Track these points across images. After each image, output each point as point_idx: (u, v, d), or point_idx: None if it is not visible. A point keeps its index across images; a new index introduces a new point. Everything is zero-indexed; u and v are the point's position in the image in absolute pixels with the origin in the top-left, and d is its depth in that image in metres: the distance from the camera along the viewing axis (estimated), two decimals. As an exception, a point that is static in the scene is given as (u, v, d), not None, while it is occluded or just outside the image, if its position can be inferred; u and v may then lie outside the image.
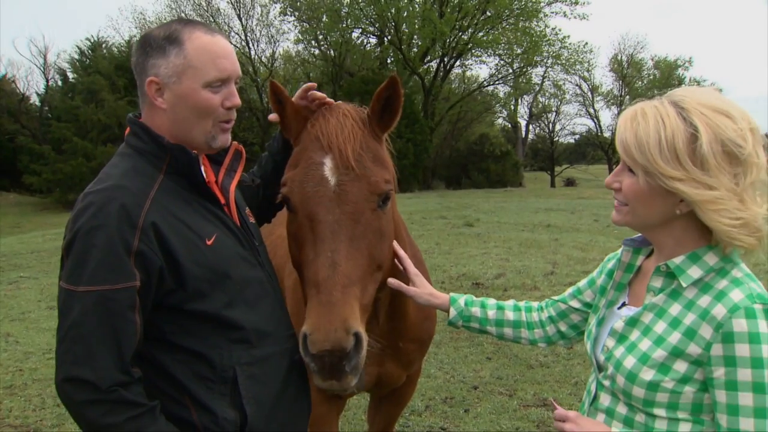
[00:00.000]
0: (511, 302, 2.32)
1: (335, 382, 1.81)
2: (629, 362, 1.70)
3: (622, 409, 1.76)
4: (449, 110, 42.71)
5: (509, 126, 58.76)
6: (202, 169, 1.93)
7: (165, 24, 1.88)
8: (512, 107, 53.94)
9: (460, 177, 43.90)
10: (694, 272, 1.64)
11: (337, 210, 1.94)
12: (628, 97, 54.65)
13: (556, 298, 2.28)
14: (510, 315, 2.24)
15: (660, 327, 1.68)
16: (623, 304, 1.89)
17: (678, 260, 1.67)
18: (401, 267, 2.32)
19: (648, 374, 1.65)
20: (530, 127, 60.45)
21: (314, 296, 1.83)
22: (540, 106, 57.17)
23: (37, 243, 16.22)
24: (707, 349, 1.56)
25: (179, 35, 1.81)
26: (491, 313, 2.25)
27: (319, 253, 1.87)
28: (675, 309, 1.66)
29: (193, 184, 1.88)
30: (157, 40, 1.81)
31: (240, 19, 41.95)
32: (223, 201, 1.98)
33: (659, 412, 1.66)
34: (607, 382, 1.80)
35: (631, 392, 1.69)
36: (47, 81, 43.99)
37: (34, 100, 45.08)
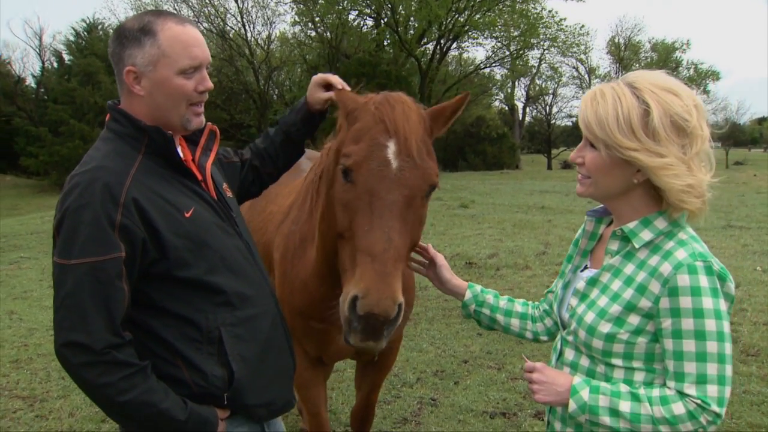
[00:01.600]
0: (521, 300, 2.46)
1: (372, 342, 1.99)
2: (589, 317, 1.88)
3: (584, 362, 1.94)
4: (446, 93, 42.61)
5: (506, 108, 58.79)
6: (179, 148, 2.07)
7: (138, 16, 2.00)
8: (509, 90, 54.00)
9: (456, 159, 44.03)
10: (646, 235, 1.83)
11: (396, 191, 2.09)
12: (625, 79, 54.72)
13: (547, 290, 2.43)
14: (519, 307, 2.38)
15: (616, 285, 1.86)
16: (585, 267, 2.08)
17: (632, 225, 1.86)
18: (423, 256, 2.51)
19: (605, 327, 1.83)
20: (527, 109, 60.41)
21: (368, 264, 1.99)
22: (537, 88, 57.16)
23: (36, 224, 16.37)
24: (656, 303, 1.75)
25: (152, 26, 1.93)
26: (502, 303, 2.39)
27: (376, 226, 2.04)
28: (629, 269, 1.85)
29: (171, 163, 2.01)
30: (132, 32, 1.93)
31: (236, 0, 41.82)
32: (200, 177, 2.11)
33: (616, 361, 1.84)
34: (570, 338, 1.98)
35: (591, 344, 1.88)
36: (43, 63, 44.10)
37: (30, 82, 45.13)
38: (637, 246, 1.84)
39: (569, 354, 2.00)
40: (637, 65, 54.99)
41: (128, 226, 1.81)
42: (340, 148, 2.27)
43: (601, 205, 2.07)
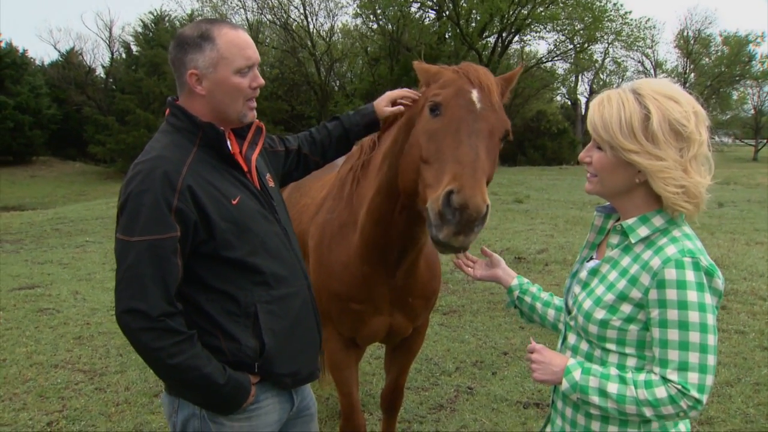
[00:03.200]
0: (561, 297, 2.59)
1: (462, 237, 2.17)
2: (587, 304, 2.03)
3: (584, 346, 2.08)
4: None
5: (569, 103, 57.95)
6: (228, 142, 2.29)
7: (195, 24, 2.23)
8: (572, 84, 53.24)
9: (515, 154, 43.66)
10: (642, 231, 1.97)
11: (481, 123, 2.36)
12: (693, 74, 53.23)
13: None
14: (557, 301, 2.51)
15: (612, 276, 2.00)
16: (591, 259, 2.21)
17: (630, 221, 1.99)
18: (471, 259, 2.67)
19: (600, 314, 1.97)
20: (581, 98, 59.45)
21: (460, 169, 2.20)
22: (601, 83, 56.17)
23: (102, 210, 17.02)
24: (646, 294, 1.88)
25: (211, 33, 2.15)
26: (544, 295, 2.54)
27: (465, 144, 2.27)
28: (625, 261, 1.98)
29: (221, 155, 2.23)
30: (193, 38, 2.15)
31: (299, -7, 42.29)
32: (246, 169, 2.33)
33: (611, 346, 1.98)
34: (572, 323, 2.12)
35: (587, 329, 2.02)
36: (112, 54, 45.42)
37: (100, 72, 46.57)
38: (633, 241, 1.97)
39: (571, 338, 2.14)
40: (707, 59, 53.51)
41: (183, 210, 2.04)
42: (425, 101, 2.53)
43: (609, 203, 2.19)
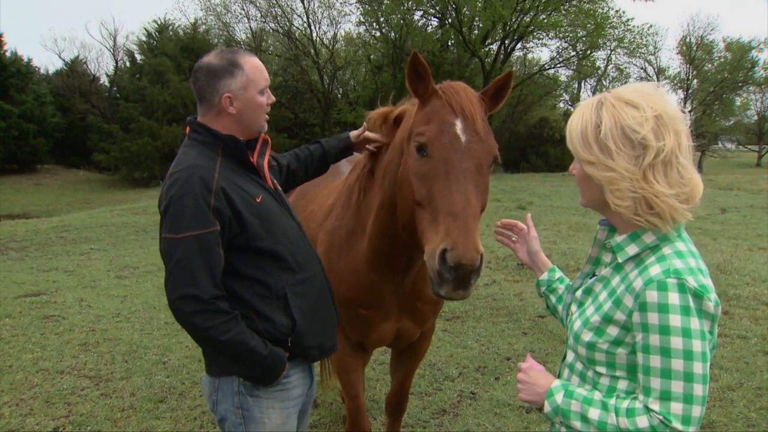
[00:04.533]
0: None
1: (461, 291, 2.25)
2: (576, 324, 1.97)
3: (579, 366, 1.99)
4: (509, 93, 42.30)
5: (571, 110, 57.85)
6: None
7: (218, 54, 2.52)
8: (574, 91, 53.28)
9: (518, 161, 43.72)
10: (631, 249, 1.86)
11: (468, 160, 2.40)
12: (696, 80, 53.23)
13: None
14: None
15: (602, 296, 1.91)
16: (593, 275, 2.12)
17: (619, 239, 1.90)
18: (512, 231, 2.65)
19: (587, 336, 1.89)
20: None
21: (451, 222, 2.26)
22: (604, 89, 55.99)
23: (106, 218, 17.14)
24: (629, 317, 1.78)
25: (238, 61, 2.47)
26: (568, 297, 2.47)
27: (454, 190, 2.32)
28: (615, 281, 1.89)
29: (241, 162, 2.54)
30: (223, 66, 2.46)
31: (302, 1, 42.48)
32: (261, 173, 2.63)
33: (601, 369, 1.90)
34: (570, 342, 2.04)
35: (577, 350, 1.96)
36: (116, 62, 45.69)
37: (104, 80, 46.82)
38: (620, 260, 1.89)
39: (569, 356, 2.07)
40: (710, 65, 53.50)
41: (219, 208, 2.32)
42: (411, 130, 2.58)
43: None
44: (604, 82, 53.62)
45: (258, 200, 2.47)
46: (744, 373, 5.50)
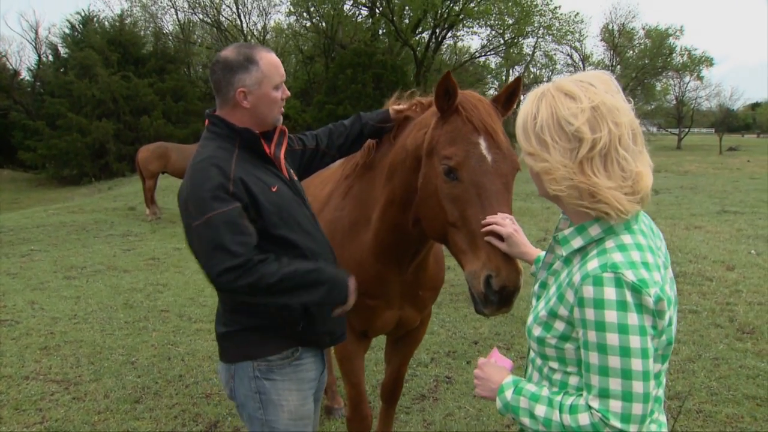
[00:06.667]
0: None
1: (505, 309, 2.36)
2: (529, 319, 1.95)
3: (538, 361, 1.96)
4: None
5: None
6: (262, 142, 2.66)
7: (234, 48, 2.58)
8: (504, 78, 54.14)
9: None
10: (576, 242, 1.83)
11: (497, 181, 2.47)
12: (619, 66, 54.75)
13: None
14: None
15: (552, 290, 1.89)
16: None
17: (566, 232, 1.86)
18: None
19: (537, 330, 1.87)
20: (522, 97, 60.30)
21: (491, 248, 2.35)
22: (531, 76, 57.25)
23: (41, 218, 16.54)
24: (570, 312, 1.75)
25: (254, 56, 2.52)
26: None
27: (489, 214, 2.39)
28: (564, 275, 1.85)
29: (257, 153, 2.61)
30: (240, 62, 2.51)
31: (231, -9, 41.85)
32: (277, 164, 2.70)
33: (553, 365, 1.88)
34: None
35: (530, 345, 1.96)
36: (39, 56, 44.00)
37: (26, 75, 45.05)
38: (563, 253, 1.86)
39: (531, 352, 2.03)
40: (632, 52, 55.09)
41: (237, 194, 2.40)
42: (434, 147, 2.63)
43: None
44: (532, 69, 54.73)
45: (274, 189, 2.54)
46: (700, 345, 5.81)
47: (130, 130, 34.24)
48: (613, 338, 1.64)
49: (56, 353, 6.17)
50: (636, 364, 1.64)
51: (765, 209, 13.79)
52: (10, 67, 43.77)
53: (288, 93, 2.67)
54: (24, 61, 52.47)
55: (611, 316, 1.64)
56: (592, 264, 1.71)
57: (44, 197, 27.66)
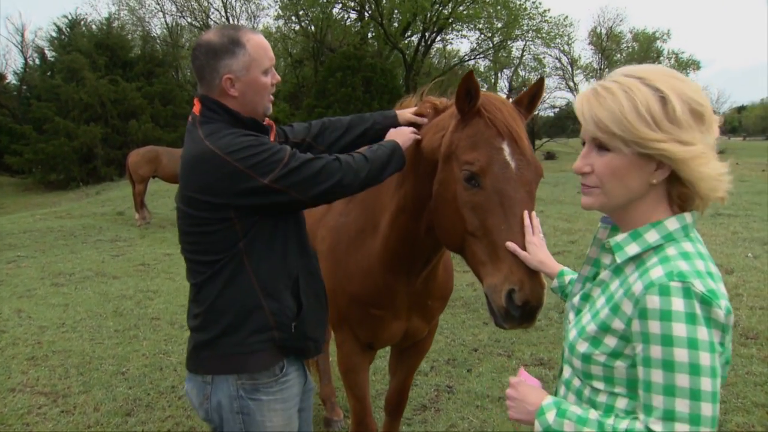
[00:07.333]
0: None
1: (526, 324, 2.23)
2: (572, 334, 1.77)
3: (576, 382, 1.80)
4: (431, 85, 42.63)
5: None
6: None
7: (217, 31, 2.35)
8: (492, 81, 54.17)
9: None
10: (631, 249, 1.66)
11: (520, 189, 2.31)
12: (607, 69, 54.89)
13: None
14: None
15: (600, 302, 1.72)
16: (594, 279, 1.91)
17: (619, 237, 1.69)
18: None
19: (582, 346, 1.69)
20: (510, 100, 60.43)
21: (513, 260, 2.20)
22: (520, 79, 57.31)
23: (28, 223, 16.29)
24: (628, 325, 1.58)
25: (239, 38, 2.30)
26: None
27: (512, 224, 2.25)
28: (614, 285, 1.69)
29: None
30: (224, 45, 2.29)
31: (220, -6, 41.68)
32: None
33: (598, 384, 1.70)
34: (565, 354, 1.86)
35: (572, 363, 1.76)
36: (25, 59, 43.61)
37: (12, 79, 44.61)
38: (618, 261, 1.69)
39: (566, 372, 1.87)
40: (619, 55, 55.30)
41: None
42: (453, 151, 2.47)
43: None
44: (521, 72, 54.83)
45: None
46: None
47: (118, 134, 33.91)
48: (681, 354, 1.47)
49: (44, 364, 5.98)
50: (705, 383, 1.47)
51: (758, 212, 13.74)
52: (-4, 71, 43.38)
53: (278, 78, 2.46)
54: (10, 64, 51.67)
55: (680, 329, 1.47)
56: (656, 272, 1.54)
57: (31, 202, 27.37)
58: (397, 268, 2.97)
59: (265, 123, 2.51)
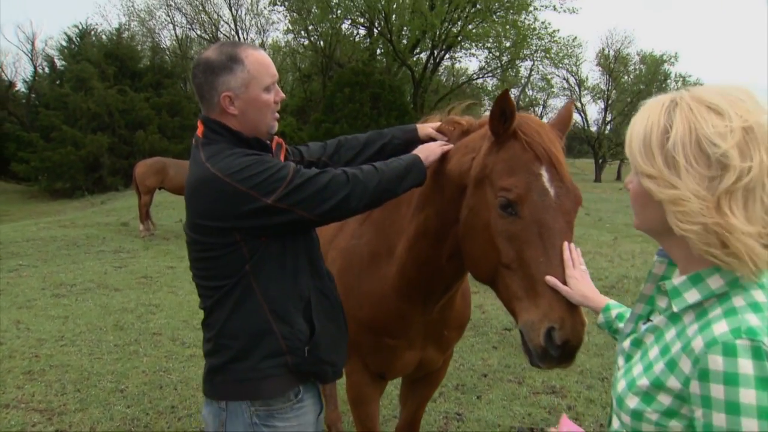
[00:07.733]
0: None
1: (566, 364, 2.07)
2: (621, 385, 1.55)
3: None
4: (438, 102, 42.64)
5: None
6: None
7: (216, 48, 2.28)
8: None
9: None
10: (691, 296, 1.43)
11: (560, 219, 2.14)
12: (614, 91, 54.96)
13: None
14: None
15: (653, 352, 1.50)
16: (648, 321, 1.68)
17: (677, 281, 1.46)
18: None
19: (632, 401, 1.48)
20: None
21: (553, 296, 2.04)
22: (527, 99, 57.30)
23: (32, 231, 16.18)
24: (686, 386, 1.35)
25: (238, 55, 2.23)
26: None
27: (552, 256, 2.08)
28: (670, 335, 1.47)
29: None
30: (222, 62, 2.22)
31: (230, 8, 41.86)
32: None
33: None
34: (613, 405, 1.65)
35: (621, 418, 1.54)
36: (35, 68, 43.84)
37: (21, 87, 44.82)
38: (676, 309, 1.45)
39: (615, 422, 1.63)
40: (627, 77, 55.36)
41: None
42: (487, 176, 2.31)
43: None
44: (528, 92, 54.83)
45: None
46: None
47: (125, 144, 33.95)
48: (750, 425, 1.24)
49: (40, 378, 5.81)
50: None
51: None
52: (6, 79, 43.62)
53: (282, 95, 2.37)
54: (20, 72, 52.37)
55: (748, 396, 1.24)
56: (721, 327, 1.32)
57: (36, 210, 27.29)
58: (413, 295, 2.80)
59: (275, 141, 2.44)
